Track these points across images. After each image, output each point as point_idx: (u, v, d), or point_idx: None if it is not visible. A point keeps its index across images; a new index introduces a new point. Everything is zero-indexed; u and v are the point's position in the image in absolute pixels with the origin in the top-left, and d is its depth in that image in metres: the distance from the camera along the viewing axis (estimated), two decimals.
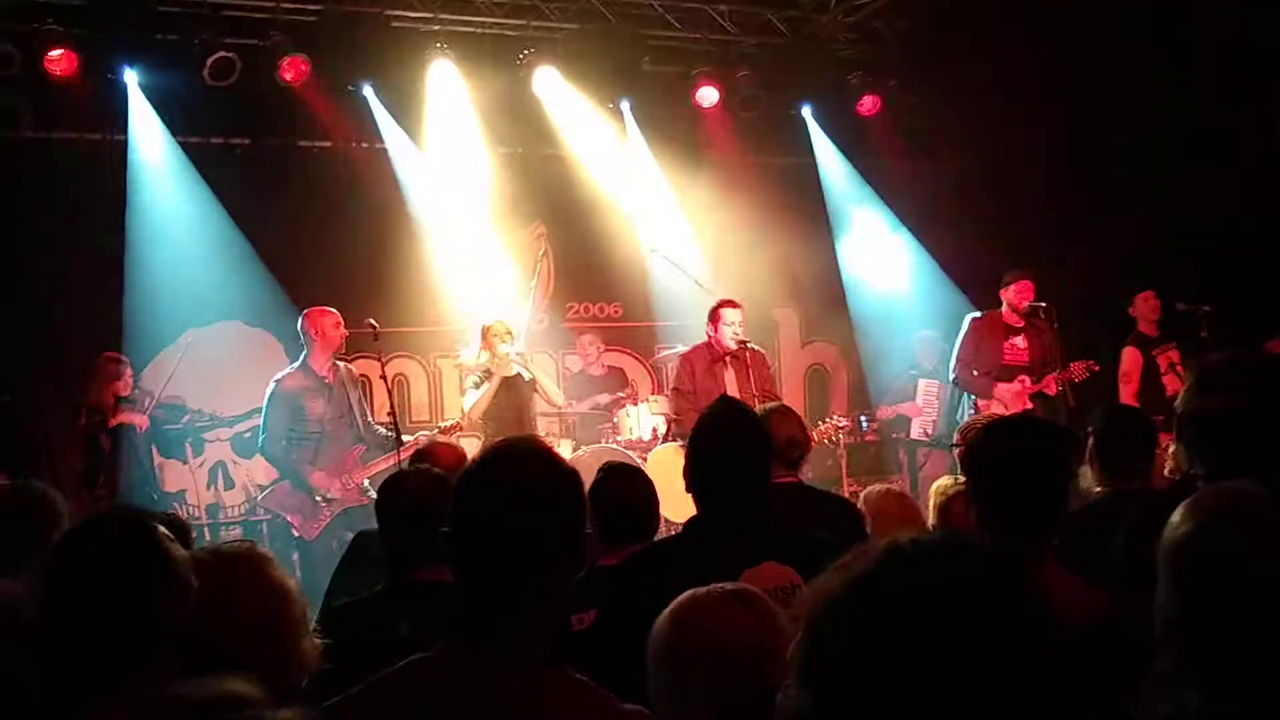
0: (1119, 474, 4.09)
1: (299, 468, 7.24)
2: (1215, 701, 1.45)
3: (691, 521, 3.15)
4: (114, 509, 2.26)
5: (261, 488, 8.62)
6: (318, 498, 7.16)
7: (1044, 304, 8.24)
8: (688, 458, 3.17)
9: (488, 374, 7.95)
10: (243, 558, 2.47)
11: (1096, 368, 8.16)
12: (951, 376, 8.67)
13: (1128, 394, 8.34)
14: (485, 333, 8.01)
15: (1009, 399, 8.06)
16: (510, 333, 8.08)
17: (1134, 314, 8.71)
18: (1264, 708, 1.51)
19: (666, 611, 2.12)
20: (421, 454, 4.63)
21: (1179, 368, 8.30)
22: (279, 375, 7.44)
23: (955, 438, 5.96)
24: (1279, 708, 1.52)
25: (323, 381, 7.34)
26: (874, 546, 1.29)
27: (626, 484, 3.89)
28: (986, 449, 3.08)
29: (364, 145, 9.36)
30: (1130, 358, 8.56)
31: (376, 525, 3.57)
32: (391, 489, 3.48)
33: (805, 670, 1.26)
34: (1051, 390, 8.07)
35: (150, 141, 8.63)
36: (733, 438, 3.14)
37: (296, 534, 7.22)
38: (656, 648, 2.09)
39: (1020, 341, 8.34)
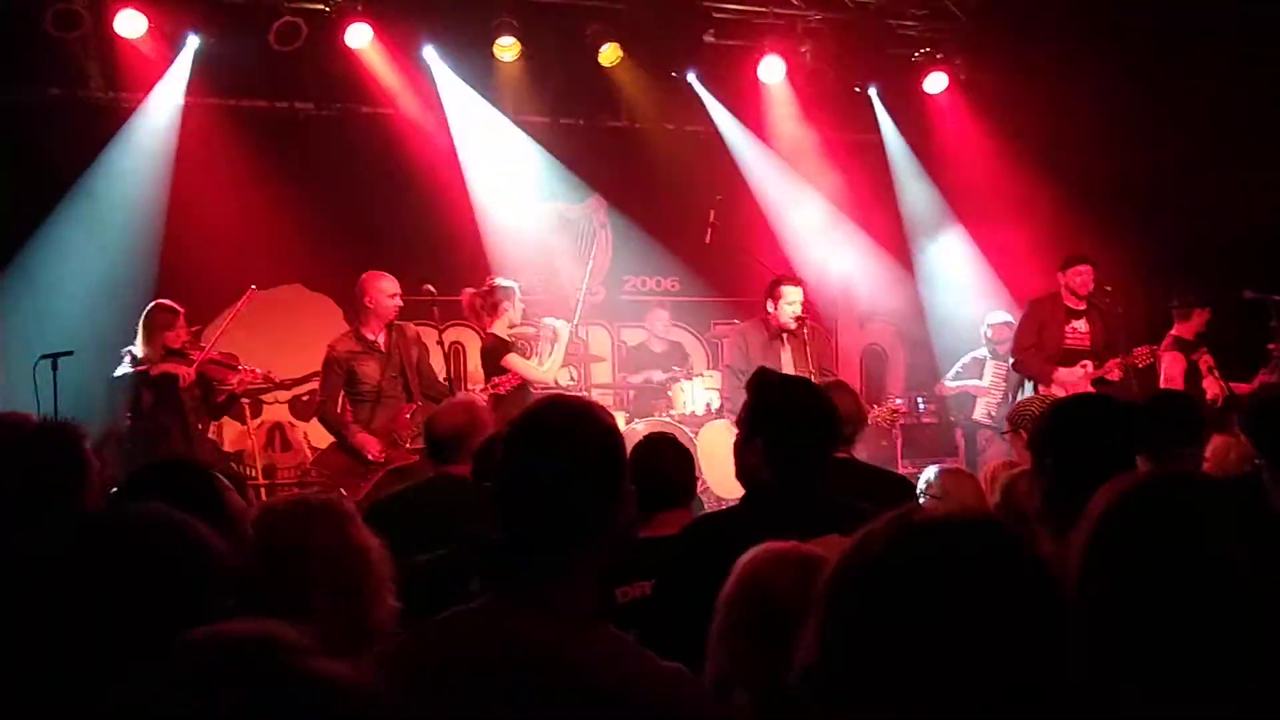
0: (1166, 459, 3.96)
1: (346, 430, 7.27)
2: None
3: (751, 494, 3.13)
4: (173, 457, 2.25)
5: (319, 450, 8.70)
6: (369, 457, 7.15)
7: (1109, 288, 8.08)
8: (751, 427, 3.12)
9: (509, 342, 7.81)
10: (321, 509, 2.43)
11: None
12: (1011, 361, 8.55)
13: None
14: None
15: (1070, 385, 7.90)
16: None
17: (1180, 318, 8.35)
18: None
19: (746, 564, 2.15)
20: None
21: (1217, 371, 8.08)
22: (332, 341, 7.47)
23: (1005, 425, 5.87)
24: None
25: (373, 345, 7.33)
26: (883, 521, 1.32)
27: (654, 452, 3.90)
28: (1051, 429, 3.02)
29: (427, 113, 9.36)
30: (1173, 362, 8.15)
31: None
32: (486, 451, 3.47)
33: (824, 642, 1.29)
34: (1114, 376, 7.90)
35: (183, 102, 8.58)
36: (811, 415, 3.11)
37: (346, 494, 7.23)
38: (740, 596, 2.10)
39: (1082, 325, 8.17)
